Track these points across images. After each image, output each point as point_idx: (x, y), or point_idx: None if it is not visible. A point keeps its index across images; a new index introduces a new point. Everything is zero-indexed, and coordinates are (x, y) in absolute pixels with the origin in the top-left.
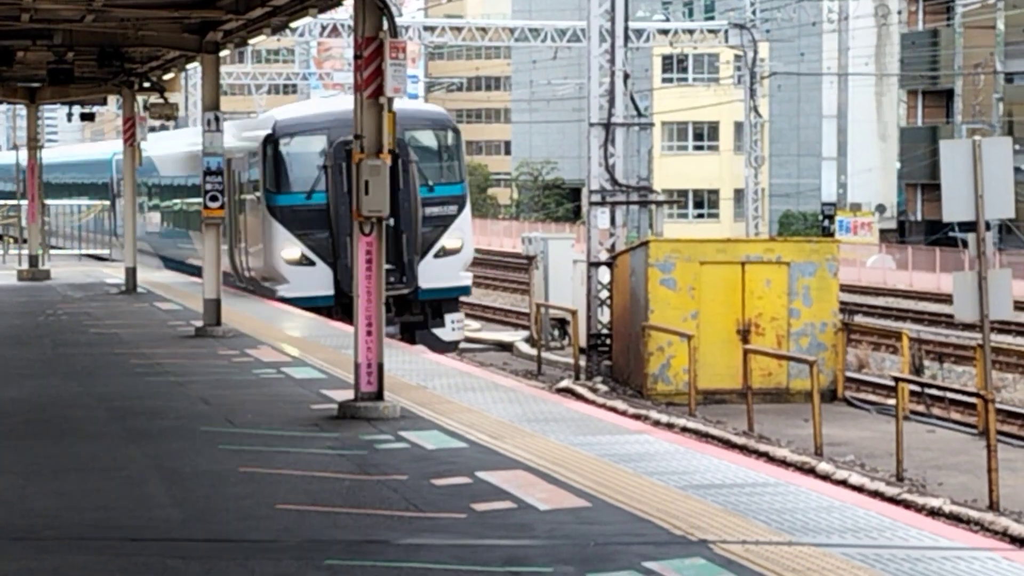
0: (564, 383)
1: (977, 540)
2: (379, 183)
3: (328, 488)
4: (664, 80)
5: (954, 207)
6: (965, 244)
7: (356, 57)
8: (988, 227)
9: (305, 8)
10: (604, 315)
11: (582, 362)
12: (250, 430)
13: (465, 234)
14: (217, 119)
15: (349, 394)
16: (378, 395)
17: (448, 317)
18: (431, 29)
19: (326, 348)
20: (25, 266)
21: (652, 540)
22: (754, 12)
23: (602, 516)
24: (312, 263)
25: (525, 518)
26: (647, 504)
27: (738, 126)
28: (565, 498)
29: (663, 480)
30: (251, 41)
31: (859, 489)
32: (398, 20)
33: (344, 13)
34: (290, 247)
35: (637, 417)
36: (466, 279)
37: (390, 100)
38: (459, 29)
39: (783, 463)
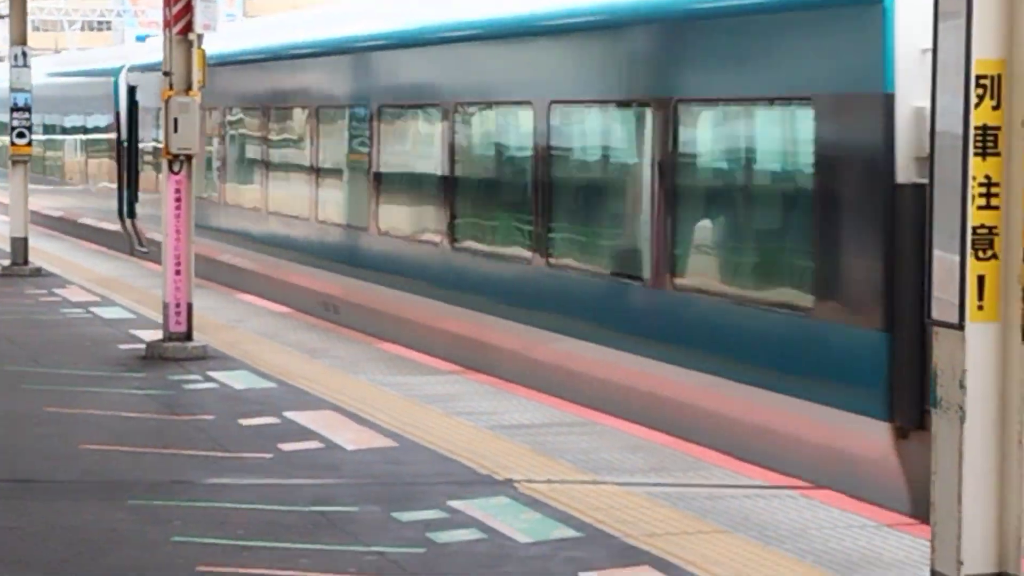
0: None
1: (778, 479)
2: (188, 120)
3: (133, 428)
4: None
5: None
6: None
7: None
8: None
9: None
10: None
11: None
12: (56, 370)
13: None
14: (24, 55)
15: (158, 334)
16: (187, 335)
17: None
18: None
19: (136, 288)
20: None
21: (458, 479)
22: None
23: (409, 456)
24: None
25: (332, 458)
26: (455, 444)
27: None
28: (373, 438)
29: (472, 420)
30: None
31: None
32: None
33: None
34: None
35: None
36: None
37: (200, 37)
38: None
39: None
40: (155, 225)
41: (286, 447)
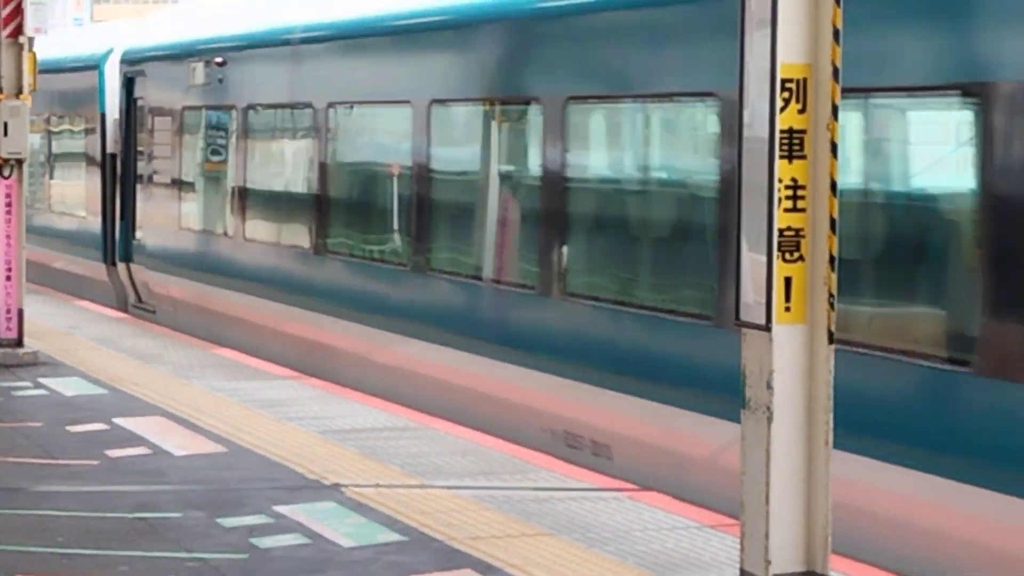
0: None
1: (606, 481)
2: (19, 125)
3: None
4: None
5: None
6: None
7: None
8: None
9: None
10: None
11: None
12: None
13: None
14: None
15: None
16: (18, 342)
17: None
18: None
19: None
20: None
21: (285, 485)
22: None
23: (237, 461)
24: None
25: (159, 464)
26: (284, 449)
27: None
28: (202, 444)
29: (304, 425)
30: None
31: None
32: None
33: None
34: None
35: None
36: None
37: (31, 39)
38: None
39: None
40: (170, 272)
41: (113, 453)
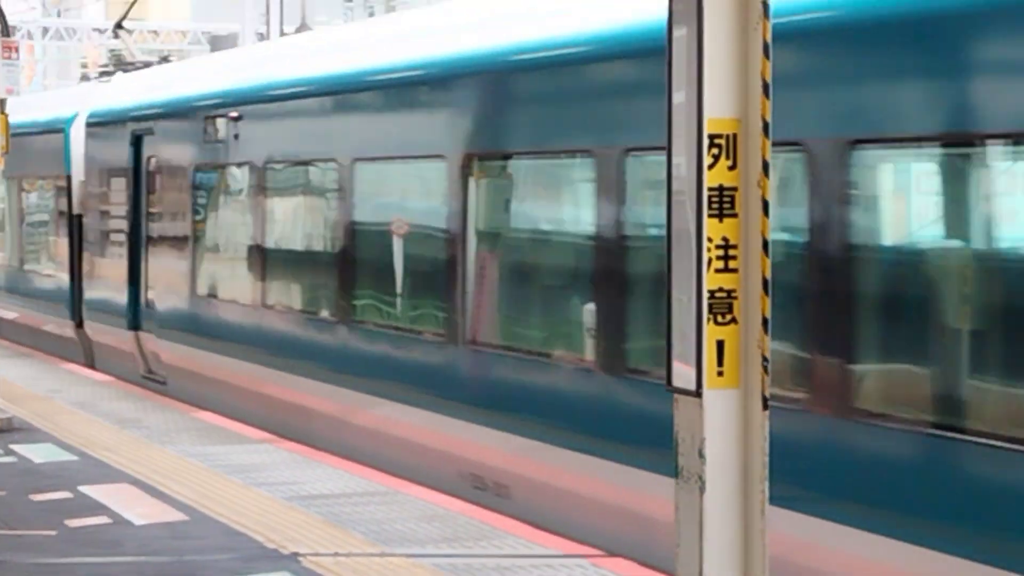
0: None
1: (573, 547)
2: None
3: None
4: None
5: None
6: None
7: None
8: None
9: None
10: None
11: None
12: None
13: None
14: None
15: None
16: None
17: None
18: (100, 31)
19: None
20: None
21: (242, 555)
22: None
23: (198, 530)
24: None
25: (118, 534)
26: (247, 517)
27: None
28: (164, 512)
29: (271, 491)
30: None
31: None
32: (68, 22)
33: None
34: None
35: None
36: None
37: (2, 101)
38: (130, 31)
39: None
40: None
41: (73, 523)
